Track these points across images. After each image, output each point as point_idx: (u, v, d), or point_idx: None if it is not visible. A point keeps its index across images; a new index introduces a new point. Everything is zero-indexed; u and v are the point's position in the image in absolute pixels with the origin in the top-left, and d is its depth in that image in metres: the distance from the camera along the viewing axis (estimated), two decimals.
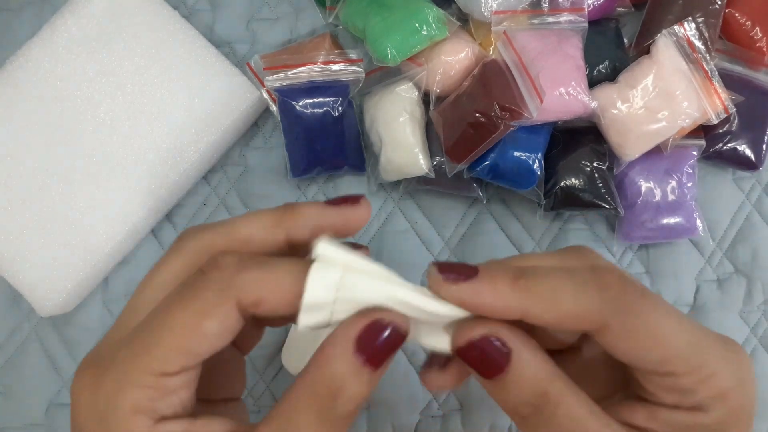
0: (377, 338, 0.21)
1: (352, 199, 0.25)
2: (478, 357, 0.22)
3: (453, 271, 0.22)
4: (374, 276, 0.22)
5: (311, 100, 0.47)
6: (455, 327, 0.23)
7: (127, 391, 0.21)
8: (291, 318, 0.22)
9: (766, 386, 0.49)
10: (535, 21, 0.45)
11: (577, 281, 0.22)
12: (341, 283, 0.22)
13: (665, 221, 0.47)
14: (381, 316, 0.21)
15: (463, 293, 0.22)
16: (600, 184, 0.46)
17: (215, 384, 0.26)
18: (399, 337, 0.22)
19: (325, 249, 0.22)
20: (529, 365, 0.22)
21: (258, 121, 0.52)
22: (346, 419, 0.22)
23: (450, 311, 0.22)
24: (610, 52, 0.47)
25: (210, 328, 0.21)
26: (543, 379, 0.22)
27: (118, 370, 0.22)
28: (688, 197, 0.47)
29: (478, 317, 0.22)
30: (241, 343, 0.29)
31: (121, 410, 0.21)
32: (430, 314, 0.22)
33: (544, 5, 0.46)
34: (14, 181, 0.47)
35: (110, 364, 0.22)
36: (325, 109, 0.47)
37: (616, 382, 0.26)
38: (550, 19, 0.45)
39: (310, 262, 0.22)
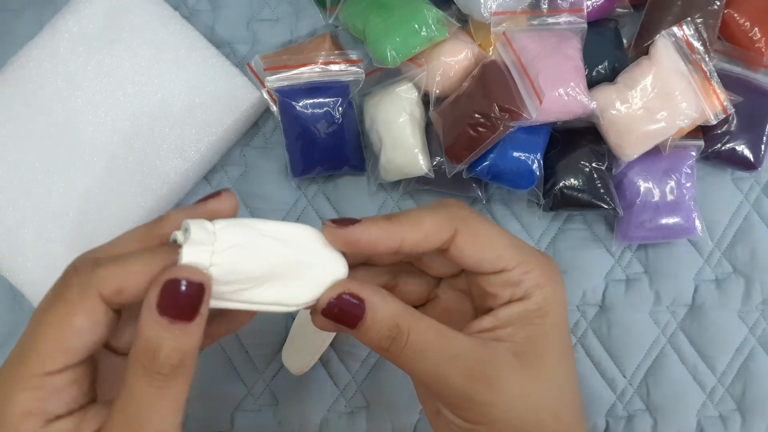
0: (175, 295, 0.24)
1: (214, 194, 0.28)
2: (339, 313, 0.27)
3: (342, 221, 0.28)
4: (240, 223, 0.26)
5: (311, 101, 0.47)
6: (320, 298, 0.27)
7: (15, 395, 0.24)
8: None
9: (766, 386, 0.49)
10: (535, 22, 0.45)
11: (433, 209, 0.29)
12: (214, 230, 0.25)
13: (664, 221, 0.47)
14: (172, 275, 0.24)
15: (353, 232, 0.27)
16: (599, 185, 0.46)
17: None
18: (197, 288, 0.24)
19: (190, 224, 0.25)
20: (381, 307, 0.27)
21: (258, 122, 0.52)
22: (173, 374, 0.24)
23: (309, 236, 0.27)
24: (609, 52, 0.47)
25: (79, 322, 0.24)
26: (394, 315, 0.28)
27: (5, 379, 0.24)
28: (686, 197, 0.47)
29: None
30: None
31: (11, 415, 0.23)
32: (295, 245, 0.27)
33: (544, 6, 0.46)
34: (15, 181, 0.48)
35: None
36: (325, 109, 0.47)
37: (468, 315, 0.33)
38: (550, 20, 0.45)
39: (164, 247, 0.25)
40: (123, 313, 0.26)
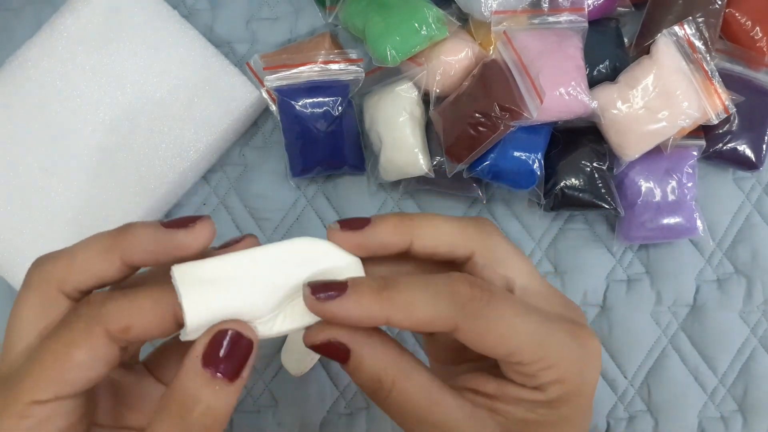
0: (222, 348, 0.23)
1: (187, 222, 0.25)
2: (325, 352, 0.25)
3: (323, 290, 0.24)
4: (234, 277, 0.24)
5: (311, 100, 0.47)
6: (306, 330, 0.26)
7: (2, 420, 0.23)
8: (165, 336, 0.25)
9: (766, 386, 0.49)
10: (535, 21, 0.45)
11: (431, 291, 0.25)
12: (211, 301, 0.24)
13: (665, 221, 0.47)
14: (222, 327, 0.23)
15: (334, 310, 0.24)
16: (600, 184, 0.46)
17: (120, 412, 0.28)
18: (245, 343, 0.24)
19: (182, 274, 0.24)
20: (368, 357, 0.25)
21: (258, 121, 0.52)
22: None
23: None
24: (610, 52, 0.47)
25: (79, 356, 0.23)
26: (378, 370, 0.25)
27: None
28: (688, 197, 0.47)
29: None
30: (159, 372, 0.30)
31: None
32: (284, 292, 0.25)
33: (544, 5, 0.45)
34: (13, 181, 0.47)
35: None
36: (324, 108, 0.47)
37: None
38: (551, 19, 0.45)
39: (172, 286, 0.24)
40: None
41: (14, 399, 0.23)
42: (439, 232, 0.27)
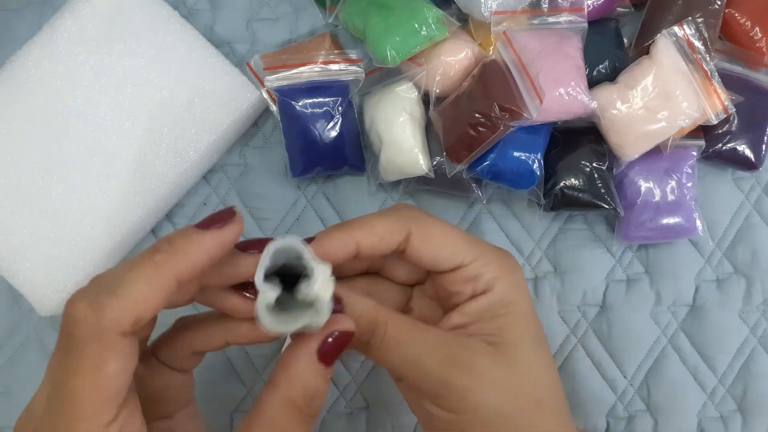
0: (332, 345, 0.27)
1: (219, 220, 0.26)
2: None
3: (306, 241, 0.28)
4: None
5: (311, 100, 0.47)
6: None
7: None
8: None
9: (766, 386, 0.49)
10: (535, 21, 0.45)
11: (385, 212, 0.31)
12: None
13: (665, 221, 0.47)
14: (344, 327, 0.27)
15: (313, 248, 0.28)
16: (600, 185, 0.46)
17: (148, 405, 0.28)
18: (348, 338, 0.27)
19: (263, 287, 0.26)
20: (357, 303, 0.29)
21: (258, 121, 0.52)
22: (318, 414, 0.27)
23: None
24: (610, 52, 0.47)
25: (112, 368, 0.24)
26: (371, 311, 0.29)
27: None
28: (687, 197, 0.47)
29: None
30: (177, 364, 0.31)
31: None
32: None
33: (544, 5, 0.46)
34: (14, 181, 0.47)
35: None
36: (324, 109, 0.47)
37: (438, 318, 0.33)
38: (550, 20, 0.45)
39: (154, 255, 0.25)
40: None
41: None
42: (374, 231, 0.30)
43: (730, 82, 0.45)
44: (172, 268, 0.24)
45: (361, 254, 0.30)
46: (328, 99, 0.47)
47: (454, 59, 0.45)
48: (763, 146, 0.48)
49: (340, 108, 0.47)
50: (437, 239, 0.31)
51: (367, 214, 0.31)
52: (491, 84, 0.43)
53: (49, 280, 0.47)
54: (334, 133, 0.47)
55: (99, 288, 0.24)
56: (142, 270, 0.24)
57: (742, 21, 0.47)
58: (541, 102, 0.41)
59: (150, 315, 0.24)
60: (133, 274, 0.24)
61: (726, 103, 0.44)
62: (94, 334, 0.23)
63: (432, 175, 0.47)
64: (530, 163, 0.45)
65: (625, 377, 0.49)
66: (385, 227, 0.30)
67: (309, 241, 0.29)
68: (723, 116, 0.45)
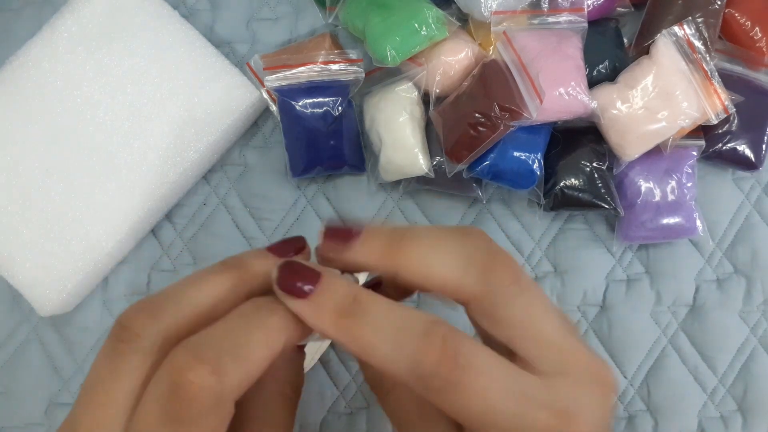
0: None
1: (294, 247, 0.25)
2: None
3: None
4: None
5: (311, 100, 0.47)
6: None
7: None
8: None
9: (766, 386, 0.49)
10: (535, 21, 0.45)
11: (397, 342, 0.21)
12: None
13: (665, 221, 0.47)
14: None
15: (291, 307, 0.22)
16: (600, 184, 0.46)
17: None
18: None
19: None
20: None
21: (258, 121, 0.52)
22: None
23: None
24: (610, 52, 0.47)
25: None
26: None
27: None
28: (687, 197, 0.47)
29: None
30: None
31: None
32: None
33: (544, 5, 0.46)
34: (14, 181, 0.47)
35: None
36: (324, 109, 0.47)
37: None
38: (550, 20, 0.45)
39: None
40: None
41: None
42: (430, 268, 0.22)
43: (730, 82, 0.45)
44: (287, 336, 0.22)
45: (400, 279, 0.24)
46: (328, 99, 0.47)
47: (454, 59, 0.45)
48: (763, 146, 0.48)
49: (340, 108, 0.47)
50: (517, 324, 0.22)
51: (429, 234, 0.23)
52: (491, 84, 0.43)
53: (49, 280, 0.47)
54: (334, 133, 0.47)
55: (219, 349, 0.20)
56: (263, 331, 0.21)
57: (742, 21, 0.47)
58: (541, 102, 0.41)
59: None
60: (255, 335, 0.21)
61: (726, 103, 0.44)
62: (215, 404, 0.20)
63: (432, 175, 0.47)
64: (530, 163, 0.45)
65: (625, 377, 0.49)
66: (443, 275, 0.22)
67: (348, 238, 0.24)
68: (723, 116, 0.45)
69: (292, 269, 0.22)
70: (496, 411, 0.21)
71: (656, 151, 0.45)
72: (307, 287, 0.22)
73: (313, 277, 0.22)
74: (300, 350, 0.26)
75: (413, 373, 0.21)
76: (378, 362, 0.21)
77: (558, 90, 0.42)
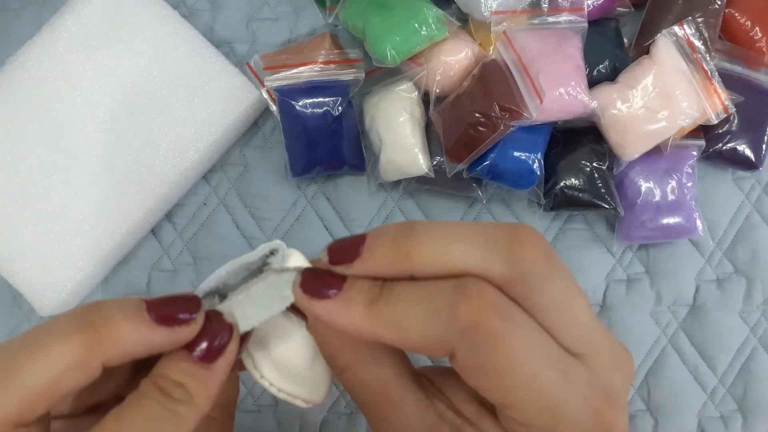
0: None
1: (181, 319, 0.22)
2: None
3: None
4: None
5: (311, 100, 0.47)
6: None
7: None
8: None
9: (766, 386, 0.49)
10: (535, 21, 0.45)
11: (426, 308, 0.20)
12: None
13: (665, 221, 0.47)
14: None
15: (318, 310, 0.21)
16: (600, 184, 0.46)
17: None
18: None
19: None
20: (320, 333, 0.24)
21: (258, 121, 0.52)
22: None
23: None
24: (610, 52, 0.47)
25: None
26: (333, 350, 0.23)
27: None
28: (687, 197, 0.47)
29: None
30: None
31: None
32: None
33: (544, 5, 0.45)
34: (14, 181, 0.47)
35: None
36: (324, 109, 0.47)
37: None
38: (550, 19, 0.45)
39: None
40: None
41: None
42: (448, 260, 0.20)
43: (730, 82, 0.45)
44: (100, 352, 0.20)
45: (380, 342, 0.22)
46: (328, 99, 0.47)
47: (454, 59, 0.45)
48: (763, 146, 0.48)
49: (339, 108, 0.47)
50: (494, 376, 0.20)
51: (410, 293, 0.21)
52: (491, 84, 0.43)
53: (49, 280, 0.47)
54: (334, 133, 0.47)
55: None
56: (45, 352, 0.19)
57: (742, 21, 0.47)
58: (541, 102, 0.41)
59: (51, 404, 0.19)
60: (37, 354, 0.19)
61: (726, 102, 0.44)
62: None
63: (432, 174, 0.47)
64: (530, 162, 0.45)
65: None
66: (422, 339, 0.20)
67: (354, 256, 0.22)
68: (723, 116, 0.45)
69: (317, 275, 0.22)
70: (539, 378, 0.19)
71: (656, 151, 0.45)
72: (332, 292, 0.21)
73: (340, 281, 0.22)
74: (232, 370, 0.24)
75: (453, 332, 0.19)
76: (415, 337, 0.20)
77: (558, 90, 0.42)
